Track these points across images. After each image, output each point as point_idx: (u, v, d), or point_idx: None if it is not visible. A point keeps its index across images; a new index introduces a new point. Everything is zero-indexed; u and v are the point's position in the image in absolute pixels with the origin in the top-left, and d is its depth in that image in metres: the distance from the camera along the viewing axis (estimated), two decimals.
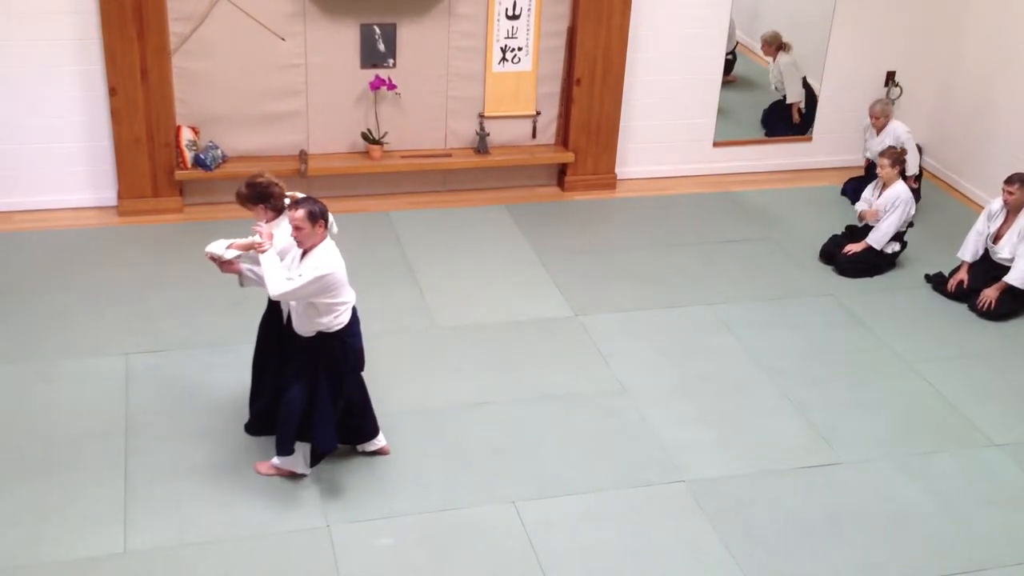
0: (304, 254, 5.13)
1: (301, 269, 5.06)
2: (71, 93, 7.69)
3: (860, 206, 7.95)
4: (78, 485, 5.35)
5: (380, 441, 5.63)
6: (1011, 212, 7.42)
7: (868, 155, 8.78)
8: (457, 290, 7.28)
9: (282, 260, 5.17)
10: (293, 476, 5.46)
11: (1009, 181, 7.38)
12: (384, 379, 6.15)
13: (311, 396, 5.22)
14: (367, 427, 5.57)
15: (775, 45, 9.16)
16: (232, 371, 6.22)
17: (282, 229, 5.27)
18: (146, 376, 6.19)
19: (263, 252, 5.10)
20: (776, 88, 9.36)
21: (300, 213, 5.00)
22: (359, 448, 5.63)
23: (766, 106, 9.47)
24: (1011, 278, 7.28)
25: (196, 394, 6.06)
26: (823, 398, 6.39)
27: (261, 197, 5.33)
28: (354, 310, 5.28)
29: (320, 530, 5.18)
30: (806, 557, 5.21)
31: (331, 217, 5.21)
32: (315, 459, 5.44)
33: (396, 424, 5.87)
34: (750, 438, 6.02)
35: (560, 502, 5.45)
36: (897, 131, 8.53)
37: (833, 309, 7.35)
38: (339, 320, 5.16)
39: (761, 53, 9.33)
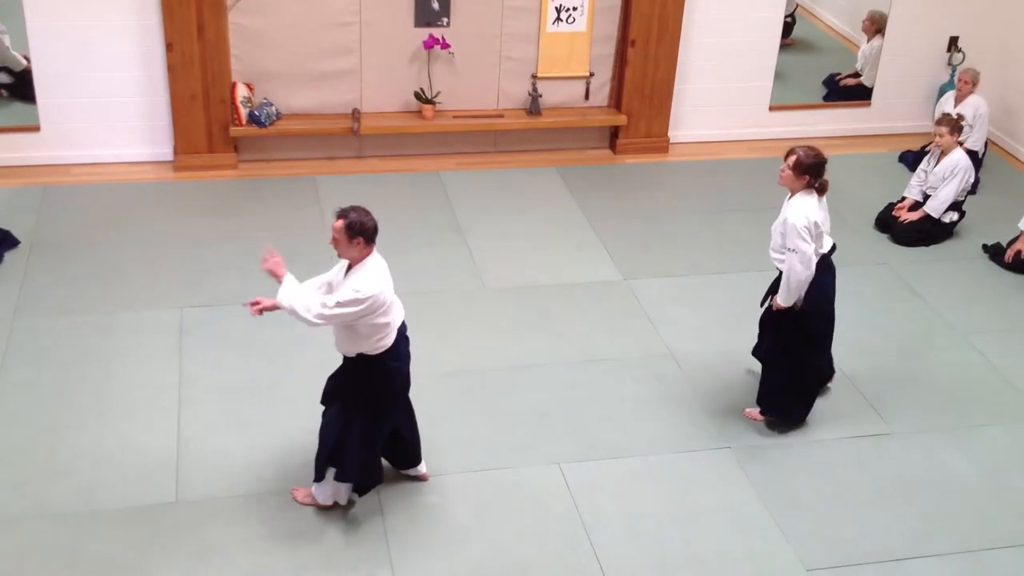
0: (348, 270, 4.64)
1: (341, 289, 4.58)
2: (128, 48, 7.76)
3: (917, 175, 7.83)
4: (133, 435, 5.47)
5: (421, 468, 5.26)
6: None
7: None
8: (506, 252, 7.28)
9: None
10: (334, 507, 5.06)
11: None
12: (431, 339, 6.19)
13: (345, 423, 4.82)
14: (413, 453, 5.20)
15: (878, 26, 8.75)
16: (284, 326, 6.29)
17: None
18: (200, 329, 6.29)
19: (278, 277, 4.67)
20: (859, 71, 9.20)
21: (339, 224, 4.51)
22: (401, 472, 5.26)
23: (825, 71, 9.30)
24: None
25: (248, 348, 6.14)
26: (874, 368, 6.33)
27: (820, 169, 5.27)
28: (403, 329, 4.81)
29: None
30: (851, 526, 5.18)
31: None
32: (362, 489, 5.07)
33: (443, 384, 5.92)
34: None
35: (605, 465, 5.47)
36: (978, 105, 8.37)
37: (887, 278, 7.25)
38: (383, 343, 4.68)
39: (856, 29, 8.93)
